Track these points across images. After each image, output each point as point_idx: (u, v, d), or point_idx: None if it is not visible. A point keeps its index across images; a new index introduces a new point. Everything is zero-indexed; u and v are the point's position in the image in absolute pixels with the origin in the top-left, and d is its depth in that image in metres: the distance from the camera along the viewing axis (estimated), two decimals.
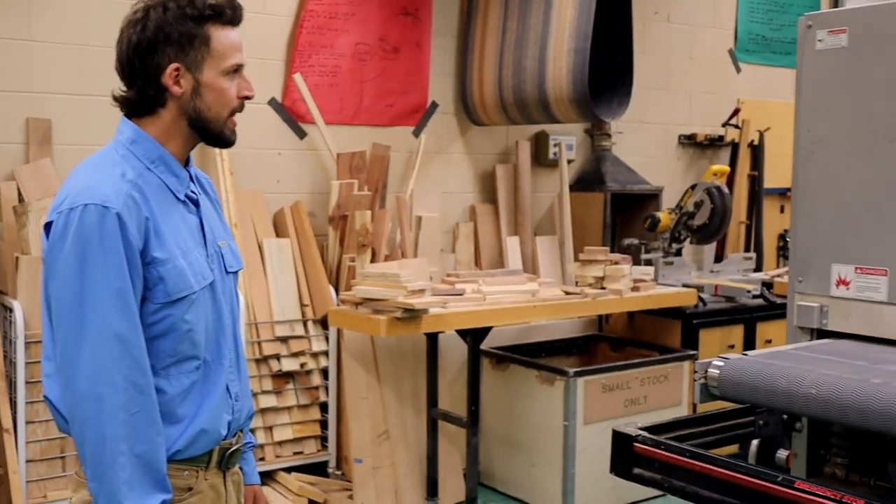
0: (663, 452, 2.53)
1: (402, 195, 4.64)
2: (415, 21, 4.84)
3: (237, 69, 1.87)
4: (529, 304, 4.01)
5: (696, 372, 2.52)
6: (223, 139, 1.91)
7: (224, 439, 1.91)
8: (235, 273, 2.03)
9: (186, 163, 1.93)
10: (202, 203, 1.96)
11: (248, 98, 1.90)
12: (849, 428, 2.59)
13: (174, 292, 1.79)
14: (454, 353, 4.39)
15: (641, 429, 2.65)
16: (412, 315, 3.58)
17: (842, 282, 2.82)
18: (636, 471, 2.59)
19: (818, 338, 2.90)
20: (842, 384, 2.26)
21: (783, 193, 6.54)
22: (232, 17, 1.88)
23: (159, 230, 1.80)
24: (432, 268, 4.52)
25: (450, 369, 4.45)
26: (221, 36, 1.85)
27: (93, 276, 1.71)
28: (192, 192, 1.93)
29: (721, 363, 2.53)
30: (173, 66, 1.82)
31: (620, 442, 2.63)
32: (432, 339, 4.08)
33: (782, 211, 6.59)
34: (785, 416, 2.75)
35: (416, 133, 4.90)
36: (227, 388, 1.92)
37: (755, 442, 2.73)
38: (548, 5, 4.46)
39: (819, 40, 2.85)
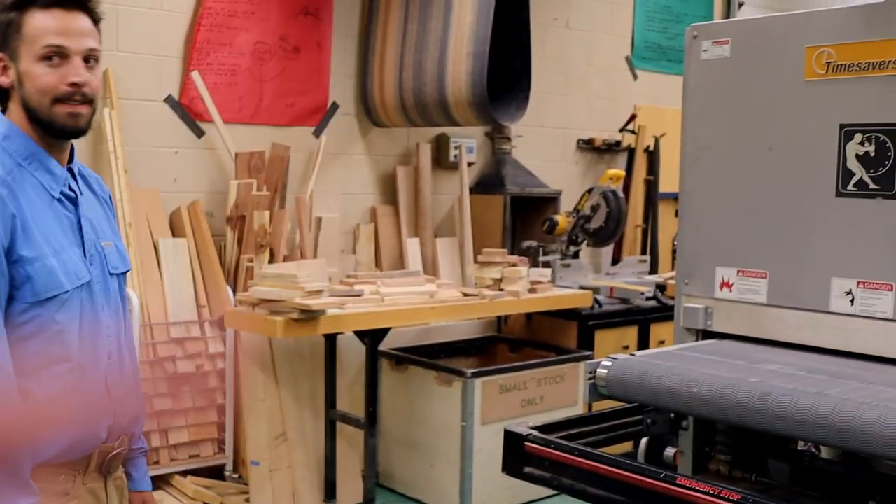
0: (552, 451, 2.57)
1: (301, 196, 4.61)
2: (315, 21, 4.82)
3: (57, 53, 1.78)
4: (428, 306, 4.03)
5: (588, 372, 2.58)
6: (55, 128, 1.80)
7: (105, 443, 1.86)
8: (122, 274, 1.97)
9: (70, 159, 1.88)
10: (82, 202, 1.89)
11: (76, 85, 1.79)
12: (731, 426, 2.69)
13: (42, 292, 1.74)
14: (353, 354, 4.39)
15: (532, 428, 2.69)
16: (309, 316, 3.57)
17: (725, 284, 2.92)
18: (527, 469, 2.63)
19: (703, 338, 2.99)
20: (721, 383, 2.34)
21: (677, 198, 6.70)
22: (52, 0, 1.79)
23: (28, 228, 1.73)
24: (332, 269, 4.51)
25: (348, 371, 4.44)
26: (35, 20, 1.77)
27: None
28: (71, 189, 1.87)
29: (609, 363, 2.59)
30: None
31: (512, 441, 2.67)
32: (331, 340, 4.07)
33: (676, 215, 6.75)
34: (672, 415, 2.84)
35: (317, 133, 4.88)
36: (109, 391, 1.87)
37: (644, 440, 2.81)
38: (447, 9, 4.49)
39: (704, 50, 2.94)
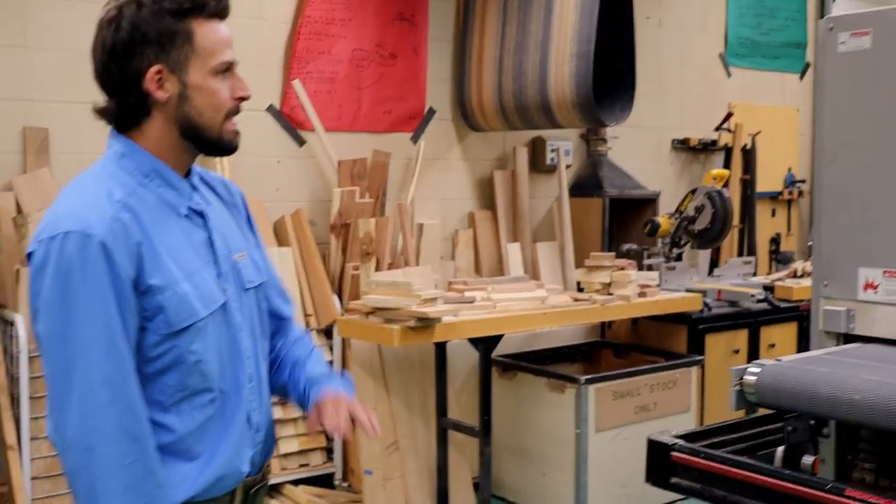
0: (702, 461, 2.50)
1: (403, 202, 4.58)
2: (411, 26, 4.79)
3: (228, 67, 1.69)
4: (539, 312, 3.96)
5: (735, 379, 2.49)
6: (223, 146, 1.72)
7: (248, 476, 1.76)
8: (258, 287, 1.83)
9: (188, 172, 1.75)
10: (211, 214, 1.76)
11: (244, 99, 1.72)
12: (878, 433, 2.58)
13: (177, 322, 1.62)
14: (460, 361, 4.34)
15: (678, 436, 2.61)
16: (426, 324, 3.52)
17: (869, 286, 2.80)
18: (673, 480, 2.55)
19: (844, 342, 2.88)
20: (887, 390, 2.24)
21: (774, 197, 6.56)
22: (216, 8, 1.69)
23: (156, 254, 1.61)
24: (434, 275, 4.47)
25: (456, 378, 4.39)
26: (207, 31, 1.66)
27: (75, 313, 1.55)
28: (198, 203, 1.74)
29: (757, 370, 2.50)
30: (154, 68, 1.63)
31: (656, 451, 2.59)
32: (441, 347, 4.02)
33: (773, 215, 6.61)
34: (812, 422, 2.73)
35: (414, 139, 4.84)
36: (249, 419, 1.75)
37: (781, 448, 2.70)
38: (548, 10, 4.42)
39: (841, 42, 2.83)
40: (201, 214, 1.74)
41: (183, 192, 1.71)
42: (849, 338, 2.87)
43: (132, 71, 1.64)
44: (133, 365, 1.59)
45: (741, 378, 2.50)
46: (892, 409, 2.20)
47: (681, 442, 2.55)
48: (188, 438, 1.66)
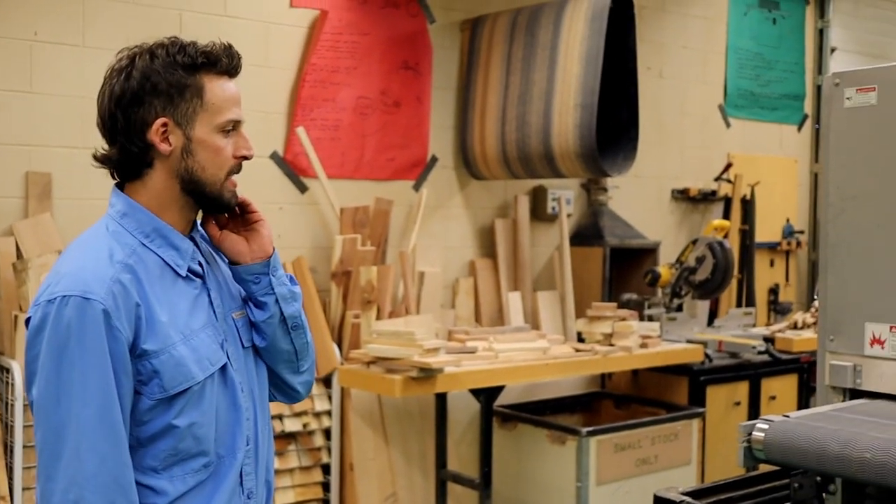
0: None
1: (405, 250, 4.57)
2: (415, 75, 4.81)
3: (234, 125, 1.69)
4: (541, 362, 3.94)
5: (744, 435, 2.45)
6: (222, 203, 1.70)
7: None
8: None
9: (191, 227, 1.73)
10: (211, 272, 1.74)
11: (246, 158, 1.71)
12: (884, 490, 2.54)
13: (172, 386, 1.59)
14: (460, 411, 4.30)
15: (684, 493, 2.57)
16: (428, 374, 3.49)
17: (876, 341, 2.78)
18: None
19: (851, 398, 2.86)
20: None
21: (773, 248, 6.57)
22: (229, 66, 1.69)
23: (153, 317, 1.59)
24: (435, 324, 4.44)
25: (456, 429, 4.35)
26: (216, 87, 1.66)
27: (70, 379, 1.52)
28: (199, 263, 1.72)
29: (766, 426, 2.47)
30: (161, 120, 1.63)
31: None
32: (441, 398, 3.99)
33: (772, 265, 6.61)
34: (818, 479, 2.69)
35: (417, 187, 4.85)
36: (241, 484, 1.70)
37: None
38: (552, 61, 4.45)
39: (847, 98, 2.84)
40: (201, 275, 1.72)
41: (184, 252, 1.69)
42: (855, 393, 2.84)
43: (138, 120, 1.63)
44: (125, 434, 1.56)
45: (749, 434, 2.47)
46: None
47: (688, 499, 2.51)
48: (178, 502, 1.63)
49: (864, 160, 2.80)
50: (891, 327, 2.75)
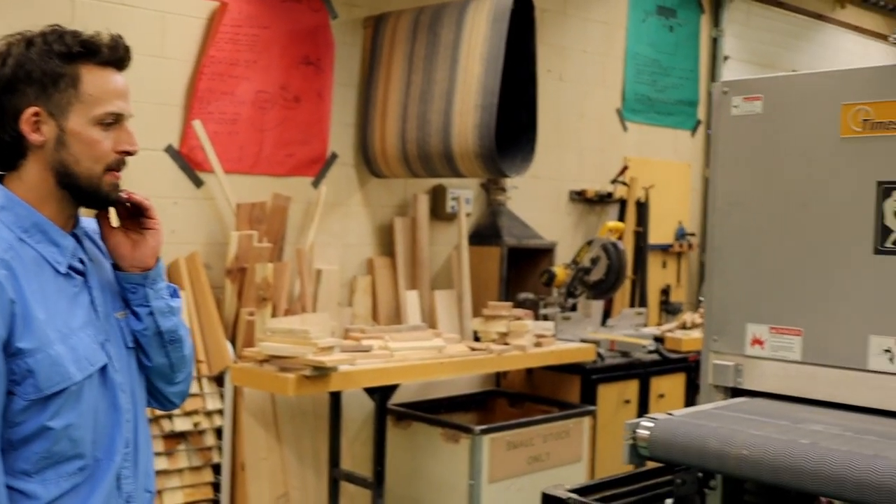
0: None
1: (302, 247, 4.52)
2: (316, 71, 4.77)
3: (116, 119, 1.63)
4: (437, 361, 3.95)
5: (629, 433, 2.51)
6: (100, 198, 1.65)
7: None
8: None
9: (75, 222, 1.68)
10: (91, 271, 1.68)
11: (128, 153, 1.66)
12: (763, 485, 2.64)
13: (47, 386, 1.53)
14: (355, 410, 4.28)
15: (571, 490, 2.62)
16: (322, 373, 3.46)
17: (756, 341, 2.88)
18: None
19: (732, 396, 2.95)
20: (773, 445, 2.29)
21: (665, 249, 6.74)
22: (111, 57, 1.64)
23: (29, 314, 1.53)
24: (332, 322, 4.41)
25: (350, 428, 4.33)
26: (96, 78, 1.61)
27: None
28: (80, 261, 1.66)
29: (650, 423, 2.53)
30: (32, 109, 1.58)
31: None
32: (335, 397, 3.96)
33: (664, 266, 6.78)
34: (700, 475, 2.78)
35: (316, 184, 4.80)
36: (119, 487, 1.66)
37: (669, 501, 2.74)
38: (454, 61, 4.47)
39: (735, 106, 2.93)
40: (82, 272, 1.67)
41: (65, 248, 1.64)
42: (736, 392, 2.94)
43: (10, 108, 1.59)
44: None
45: (635, 432, 2.53)
46: (777, 464, 2.26)
47: (574, 496, 2.56)
48: None
49: (749, 167, 2.90)
50: (771, 328, 2.85)
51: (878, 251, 2.62)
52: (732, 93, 2.93)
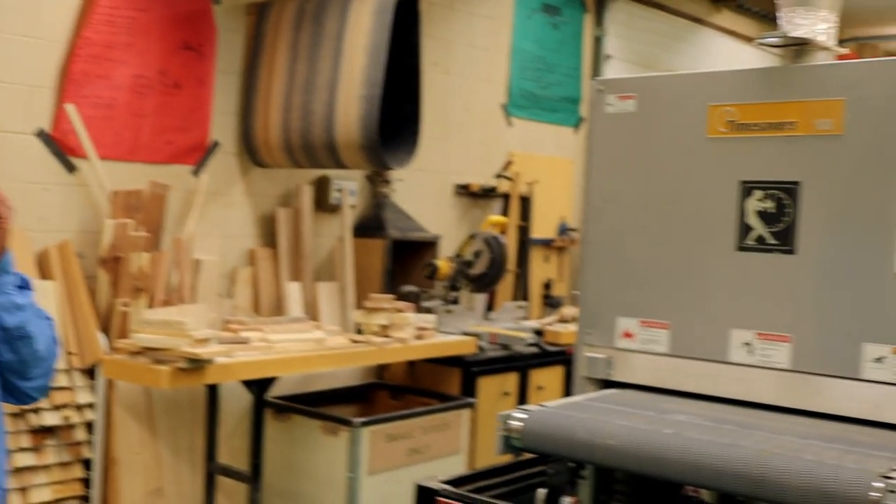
0: None
1: (180, 237, 4.43)
2: (197, 56, 4.67)
3: None
4: (317, 353, 3.93)
5: (501, 424, 2.55)
6: None
7: None
8: None
9: None
10: None
11: None
12: (632, 474, 2.72)
13: None
14: (233, 403, 4.22)
15: (444, 482, 2.65)
16: (197, 365, 3.40)
17: (627, 334, 2.97)
18: None
19: (604, 388, 3.04)
20: (637, 435, 2.37)
21: (548, 244, 6.86)
22: None
23: None
24: (211, 314, 4.34)
25: (227, 421, 4.27)
26: None
27: None
28: None
29: (523, 415, 2.58)
30: None
31: (424, 496, 2.61)
32: (212, 389, 3.90)
33: (547, 261, 6.90)
34: (572, 464, 2.85)
35: (196, 173, 4.70)
36: None
37: (543, 490, 2.80)
38: (338, 51, 4.45)
39: (609, 104, 3.01)
40: None
41: None
42: (608, 383, 3.02)
43: None
44: None
45: (507, 423, 2.57)
46: (641, 454, 2.33)
47: (447, 487, 2.58)
48: None
49: (623, 164, 2.98)
50: (640, 322, 2.94)
51: (739, 248, 2.73)
52: (607, 91, 3.00)
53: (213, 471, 3.94)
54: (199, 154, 4.71)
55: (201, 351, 3.36)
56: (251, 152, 4.85)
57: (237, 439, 4.26)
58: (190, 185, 4.66)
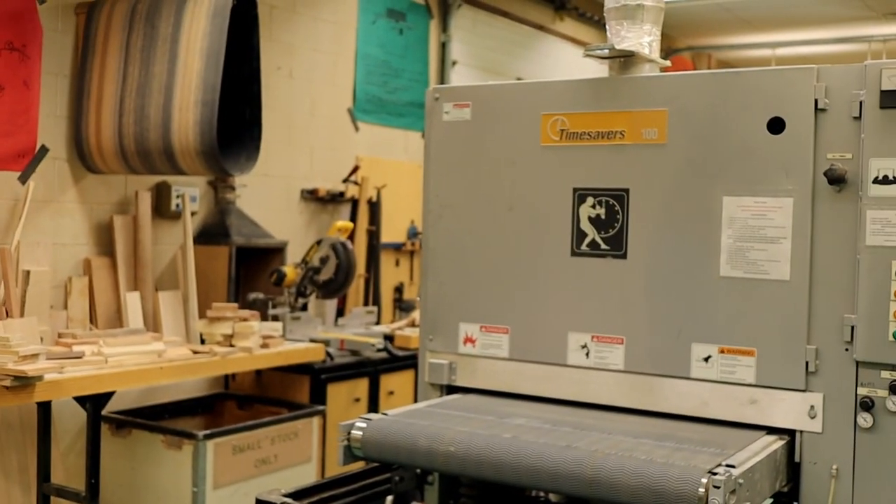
0: None
1: (6, 247, 4.19)
2: (22, 57, 4.43)
3: None
4: (156, 366, 3.80)
5: (342, 434, 2.53)
6: None
7: None
8: None
9: None
10: None
11: None
12: (477, 480, 2.76)
13: None
14: (67, 420, 4.04)
15: (285, 495, 2.61)
16: (24, 383, 3.23)
17: (468, 340, 3.00)
18: None
19: (447, 393, 3.06)
20: (476, 441, 2.39)
21: (398, 248, 6.87)
22: None
23: None
24: (42, 327, 4.13)
25: (62, 439, 4.08)
26: None
27: None
28: None
29: (364, 424, 2.57)
30: None
31: None
32: (44, 407, 3.71)
33: (397, 265, 6.92)
34: (418, 471, 2.86)
35: (23, 179, 4.47)
36: None
37: (390, 498, 2.80)
38: (173, 54, 4.31)
39: (446, 112, 3.04)
40: None
41: None
42: (451, 389, 3.05)
43: None
44: None
45: (349, 433, 2.56)
46: (480, 459, 2.36)
47: (288, 500, 2.55)
48: None
49: (460, 171, 3.01)
50: (481, 327, 2.98)
51: (574, 253, 2.81)
52: (443, 99, 3.03)
53: (47, 492, 3.75)
54: (26, 160, 4.48)
55: (28, 368, 3.19)
56: (83, 158, 4.64)
57: (73, 457, 4.07)
58: (16, 193, 4.42)
